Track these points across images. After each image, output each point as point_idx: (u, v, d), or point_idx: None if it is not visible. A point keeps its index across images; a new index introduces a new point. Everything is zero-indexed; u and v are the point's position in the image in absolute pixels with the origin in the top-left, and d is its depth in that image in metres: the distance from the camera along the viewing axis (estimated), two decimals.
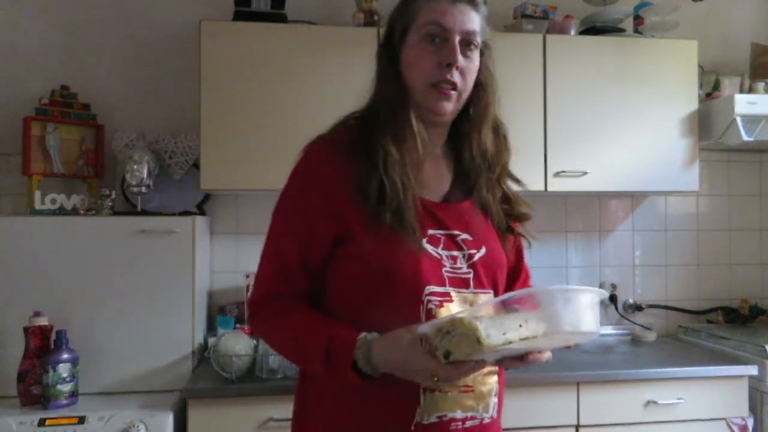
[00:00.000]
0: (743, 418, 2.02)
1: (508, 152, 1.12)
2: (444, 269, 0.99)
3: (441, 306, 0.97)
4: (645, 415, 1.96)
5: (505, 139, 1.12)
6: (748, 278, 2.74)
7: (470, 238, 1.03)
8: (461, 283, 1.00)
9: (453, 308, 0.97)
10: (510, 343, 0.79)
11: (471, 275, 1.02)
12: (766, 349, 2.07)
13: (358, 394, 0.96)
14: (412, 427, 0.95)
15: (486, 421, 1.01)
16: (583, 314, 0.82)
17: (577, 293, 0.83)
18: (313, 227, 1.00)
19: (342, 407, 1.00)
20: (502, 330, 0.79)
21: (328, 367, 0.92)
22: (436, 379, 0.87)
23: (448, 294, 0.98)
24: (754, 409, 2.07)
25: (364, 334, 0.92)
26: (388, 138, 0.99)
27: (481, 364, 0.87)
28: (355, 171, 0.98)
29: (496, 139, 1.09)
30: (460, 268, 1.01)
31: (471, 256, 1.02)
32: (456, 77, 0.99)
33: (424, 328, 0.85)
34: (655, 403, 1.96)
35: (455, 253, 1.01)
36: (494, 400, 1.02)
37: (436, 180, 1.07)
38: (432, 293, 0.96)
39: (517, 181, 1.14)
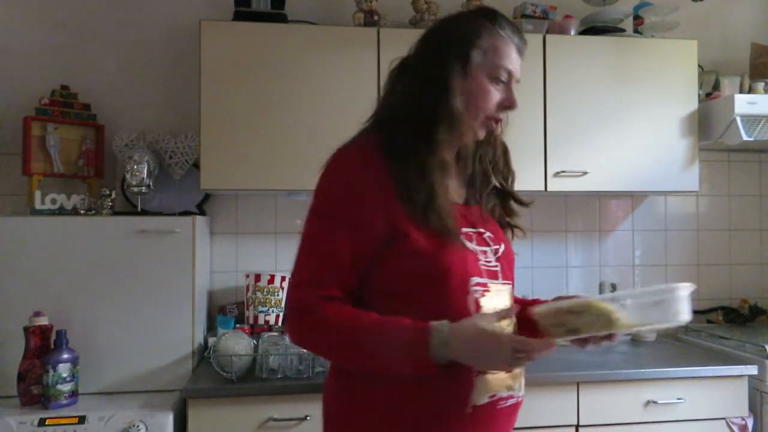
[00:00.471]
0: (743, 418, 2.02)
1: (510, 172, 1.24)
2: (479, 262, 1.09)
3: (483, 295, 1.06)
4: (645, 415, 1.96)
5: (506, 158, 1.24)
6: (748, 278, 2.74)
7: (493, 236, 1.15)
8: (493, 275, 1.10)
9: (491, 297, 1.07)
10: (636, 326, 0.99)
11: (498, 268, 1.13)
12: (766, 349, 2.07)
13: (414, 385, 1.00)
14: (469, 410, 1.02)
15: (520, 399, 1.11)
16: (688, 306, 0.97)
17: (687, 289, 0.97)
18: (365, 229, 1.03)
19: (397, 398, 1.02)
20: (626, 313, 0.96)
21: (408, 357, 0.95)
22: (521, 356, 0.93)
23: (486, 284, 1.07)
24: (753, 408, 2.07)
25: (434, 322, 0.96)
26: (445, 147, 1.08)
27: (551, 345, 0.95)
28: (396, 174, 1.04)
29: (500, 158, 1.22)
30: (490, 262, 1.11)
31: (497, 251, 1.14)
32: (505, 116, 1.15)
33: (542, 308, 1.02)
34: (655, 403, 1.96)
35: (485, 248, 1.12)
36: (523, 379, 1.12)
37: (456, 186, 1.18)
38: (476, 284, 1.06)
39: (521, 202, 1.25)
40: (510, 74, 1.11)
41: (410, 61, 1.13)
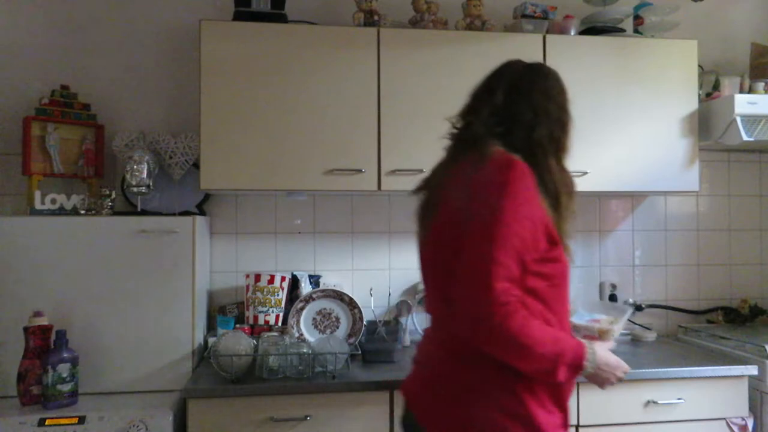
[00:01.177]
0: (743, 418, 2.02)
1: None
2: None
3: None
4: (645, 415, 1.96)
5: None
6: (748, 278, 2.74)
7: None
8: None
9: None
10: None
11: None
12: (766, 349, 2.08)
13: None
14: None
15: None
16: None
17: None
18: (544, 232, 1.17)
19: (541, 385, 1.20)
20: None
21: (570, 370, 1.16)
22: (623, 376, 1.28)
23: None
24: (754, 409, 2.07)
25: (587, 346, 1.20)
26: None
27: None
28: (547, 193, 1.21)
29: None
30: None
31: None
32: None
33: (597, 325, 1.40)
34: (655, 403, 1.96)
35: None
36: None
37: None
38: None
39: None
40: None
41: (527, 93, 1.28)
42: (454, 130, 1.34)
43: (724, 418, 2.01)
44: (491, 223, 1.11)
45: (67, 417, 1.71)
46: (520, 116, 1.26)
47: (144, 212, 2.12)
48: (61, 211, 2.03)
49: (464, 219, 1.16)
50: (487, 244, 1.10)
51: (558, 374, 1.14)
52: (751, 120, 2.30)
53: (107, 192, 2.05)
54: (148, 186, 2.11)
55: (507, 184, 1.13)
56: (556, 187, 1.22)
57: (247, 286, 2.22)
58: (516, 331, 1.09)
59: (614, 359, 1.26)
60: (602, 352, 1.23)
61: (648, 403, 1.96)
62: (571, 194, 1.25)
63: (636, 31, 2.47)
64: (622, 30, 2.40)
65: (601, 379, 1.25)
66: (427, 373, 1.29)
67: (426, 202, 1.34)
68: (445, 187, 1.29)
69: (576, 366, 1.16)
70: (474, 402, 1.17)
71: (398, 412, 1.85)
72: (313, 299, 2.16)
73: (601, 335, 1.37)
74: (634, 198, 2.67)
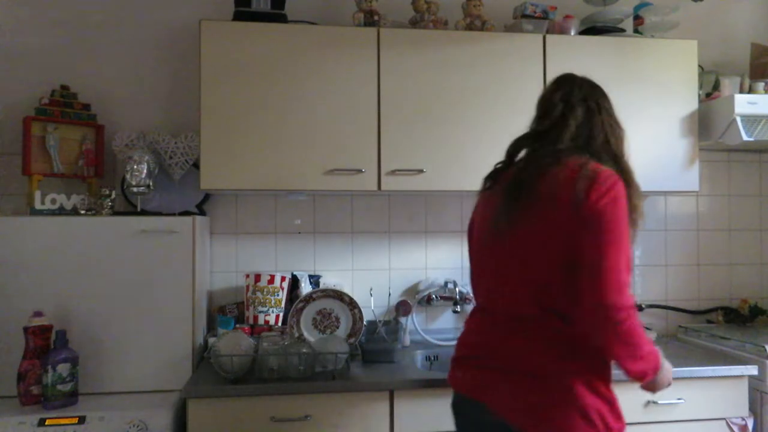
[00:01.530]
0: (743, 418, 2.02)
1: None
2: None
3: None
4: (645, 415, 1.96)
5: None
6: (748, 278, 2.74)
7: None
8: None
9: None
10: None
11: None
12: (766, 349, 2.08)
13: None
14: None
15: None
16: None
17: None
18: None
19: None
20: None
21: (651, 371, 1.28)
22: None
23: None
24: (754, 409, 2.07)
25: (662, 355, 1.33)
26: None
27: None
28: (630, 203, 1.32)
29: None
30: None
31: None
32: None
33: None
34: (655, 403, 1.96)
35: None
36: None
37: None
38: None
39: None
40: None
41: (597, 110, 1.43)
42: (531, 138, 1.43)
43: (724, 418, 2.01)
44: (614, 235, 1.24)
45: (67, 417, 1.71)
46: (597, 131, 1.40)
47: (144, 212, 2.12)
48: (61, 211, 2.03)
49: (578, 229, 1.24)
50: (614, 253, 1.23)
51: (647, 375, 1.27)
52: (751, 120, 2.30)
53: (107, 192, 2.05)
54: (148, 186, 2.11)
55: (619, 199, 1.26)
56: (634, 197, 1.32)
57: (247, 286, 2.22)
58: (634, 333, 1.23)
59: (671, 371, 1.39)
60: (668, 363, 1.36)
61: (648, 403, 1.96)
62: (642, 201, 1.35)
63: (636, 31, 2.47)
64: (622, 30, 2.40)
65: (657, 385, 1.34)
66: (509, 364, 1.32)
67: (506, 204, 1.36)
68: (533, 192, 1.32)
69: (656, 371, 1.29)
70: (574, 388, 1.26)
71: (400, 411, 1.85)
72: (313, 299, 2.16)
73: None
74: None
